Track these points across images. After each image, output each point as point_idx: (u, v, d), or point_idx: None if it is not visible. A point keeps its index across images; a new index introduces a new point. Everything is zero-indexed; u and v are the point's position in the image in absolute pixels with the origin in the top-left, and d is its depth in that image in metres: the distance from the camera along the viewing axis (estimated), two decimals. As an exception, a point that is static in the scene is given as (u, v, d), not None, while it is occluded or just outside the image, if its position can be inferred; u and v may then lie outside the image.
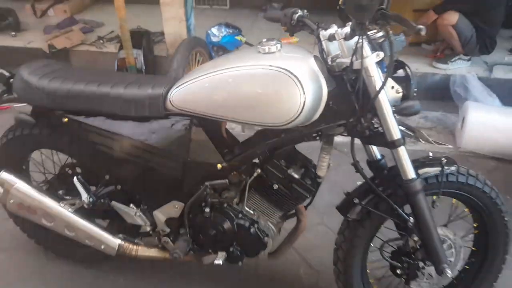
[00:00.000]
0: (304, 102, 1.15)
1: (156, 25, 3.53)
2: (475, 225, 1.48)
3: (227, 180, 1.36)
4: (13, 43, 3.76)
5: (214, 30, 3.15)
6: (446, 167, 1.30)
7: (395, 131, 1.19)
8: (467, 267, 1.55)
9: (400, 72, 1.24)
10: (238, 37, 3.18)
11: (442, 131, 2.80)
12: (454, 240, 1.41)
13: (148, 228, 1.53)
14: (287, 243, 1.52)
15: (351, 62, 1.13)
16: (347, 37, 1.14)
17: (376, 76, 1.15)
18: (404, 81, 1.21)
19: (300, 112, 1.15)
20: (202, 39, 2.87)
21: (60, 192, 1.60)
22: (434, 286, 1.48)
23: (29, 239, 1.87)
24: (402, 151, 1.21)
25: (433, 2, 3.25)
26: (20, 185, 1.51)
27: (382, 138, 1.22)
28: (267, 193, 1.39)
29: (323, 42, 1.21)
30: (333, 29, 1.19)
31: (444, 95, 3.10)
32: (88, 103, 1.37)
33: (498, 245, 1.45)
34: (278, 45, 1.22)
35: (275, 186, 1.35)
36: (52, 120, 1.44)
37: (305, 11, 1.34)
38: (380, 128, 1.22)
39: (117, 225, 1.60)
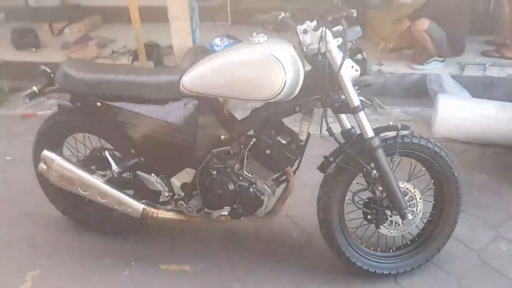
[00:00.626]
0: (286, 80, 1.50)
1: (165, 40, 3.95)
2: (432, 181, 1.81)
3: (229, 147, 1.71)
4: (35, 58, 4.18)
5: (217, 40, 3.57)
6: (401, 131, 1.64)
7: (355, 99, 1.54)
8: (430, 218, 1.87)
9: (359, 56, 1.59)
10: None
11: (419, 122, 3.15)
12: (414, 192, 1.75)
13: (167, 194, 1.87)
14: (280, 202, 1.85)
15: (319, 47, 1.49)
16: (315, 28, 1.50)
17: (337, 57, 1.50)
18: (361, 63, 1.57)
19: (283, 88, 1.50)
20: (206, 47, 3.27)
21: (92, 167, 1.94)
22: (402, 233, 1.80)
23: (62, 216, 2.20)
24: (362, 115, 1.56)
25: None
26: (60, 161, 1.86)
27: (347, 107, 1.57)
28: (262, 158, 1.72)
29: (299, 35, 1.57)
30: (306, 24, 1.55)
31: (422, 93, 3.46)
32: (117, 89, 1.72)
33: (452, 198, 1.77)
34: (265, 37, 1.59)
35: (267, 151, 1.68)
36: (88, 105, 1.80)
37: (288, 13, 1.70)
38: (345, 100, 1.58)
39: (140, 194, 1.93)
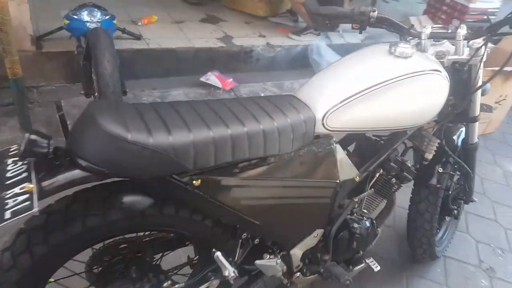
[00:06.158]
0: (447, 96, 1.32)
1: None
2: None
3: (373, 189, 1.34)
4: None
5: (85, 15, 2.44)
6: None
7: (478, 109, 1.53)
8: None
9: None
10: (114, 21, 2.63)
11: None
12: None
13: (280, 274, 1.30)
14: (380, 223, 1.62)
15: (470, 59, 1.33)
16: (466, 38, 1.32)
17: (481, 69, 1.41)
18: None
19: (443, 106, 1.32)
20: (107, 31, 2.16)
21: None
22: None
23: None
24: (477, 124, 1.58)
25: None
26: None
27: (465, 116, 1.55)
28: (382, 188, 1.46)
29: (422, 41, 1.34)
30: (440, 28, 1.34)
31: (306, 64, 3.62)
32: (225, 153, 0.97)
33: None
34: (414, 47, 1.27)
35: (393, 180, 1.44)
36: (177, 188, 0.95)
37: (374, 7, 1.38)
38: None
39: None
